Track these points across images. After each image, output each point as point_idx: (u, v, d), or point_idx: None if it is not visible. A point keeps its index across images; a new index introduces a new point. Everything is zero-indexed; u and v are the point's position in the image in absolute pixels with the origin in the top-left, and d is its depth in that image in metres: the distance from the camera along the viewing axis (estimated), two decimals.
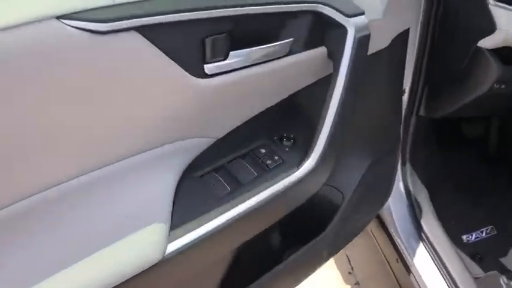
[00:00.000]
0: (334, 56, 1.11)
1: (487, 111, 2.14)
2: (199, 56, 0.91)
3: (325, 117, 1.12)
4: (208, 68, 0.92)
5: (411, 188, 1.84)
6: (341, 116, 1.12)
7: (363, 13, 1.08)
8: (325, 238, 1.42)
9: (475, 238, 1.95)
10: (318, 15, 1.05)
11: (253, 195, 1.06)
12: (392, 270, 1.90)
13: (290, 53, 1.06)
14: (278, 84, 1.09)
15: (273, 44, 1.00)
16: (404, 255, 1.78)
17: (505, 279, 1.74)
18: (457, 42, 1.61)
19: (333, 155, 1.21)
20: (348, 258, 2.27)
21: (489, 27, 1.46)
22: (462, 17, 1.57)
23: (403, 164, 1.85)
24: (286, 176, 1.12)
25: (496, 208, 2.09)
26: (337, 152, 1.22)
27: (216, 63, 0.93)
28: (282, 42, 1.02)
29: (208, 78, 0.93)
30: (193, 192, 1.04)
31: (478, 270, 1.82)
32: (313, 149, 1.14)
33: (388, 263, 1.92)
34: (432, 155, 2.06)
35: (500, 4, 1.46)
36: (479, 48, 1.53)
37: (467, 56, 1.58)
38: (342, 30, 1.07)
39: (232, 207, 1.03)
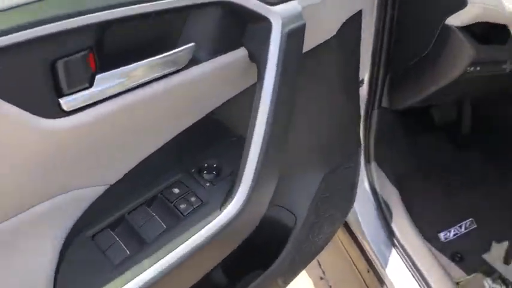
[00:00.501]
0: (258, 59, 0.85)
1: (460, 97, 1.97)
2: (49, 87, 0.65)
3: (252, 137, 0.86)
4: (66, 102, 0.66)
5: (378, 188, 1.65)
6: (273, 133, 0.87)
7: None
8: (280, 266, 1.22)
9: (454, 235, 1.77)
10: (229, 7, 0.79)
11: (162, 256, 0.80)
12: (365, 281, 1.70)
13: (194, 62, 0.80)
14: (184, 105, 0.85)
15: (163, 55, 0.73)
16: (375, 265, 1.60)
17: (490, 282, 1.60)
18: (421, 21, 1.41)
19: (270, 180, 0.98)
20: (319, 263, 2.10)
21: (459, 1, 1.26)
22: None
23: (368, 162, 1.65)
24: (207, 223, 0.87)
25: (474, 198, 1.92)
26: (277, 174, 0.99)
27: (76, 94, 0.67)
28: (178, 50, 0.75)
29: (69, 115, 0.67)
30: (82, 259, 0.80)
31: (459, 273, 1.64)
32: (240, 181, 0.89)
33: (360, 273, 1.73)
34: (399, 148, 1.87)
35: None
36: (448, 27, 1.32)
37: (433, 37, 1.37)
38: (264, 23, 0.81)
39: (134, 276, 0.77)
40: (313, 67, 1.02)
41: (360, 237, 1.65)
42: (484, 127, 2.13)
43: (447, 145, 2.12)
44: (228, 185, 0.93)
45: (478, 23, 1.28)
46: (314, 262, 1.99)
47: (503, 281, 1.60)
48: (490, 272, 1.63)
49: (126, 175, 0.83)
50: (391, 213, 1.61)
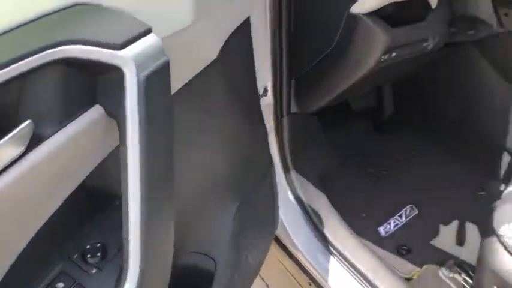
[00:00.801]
0: (115, 114, 0.69)
1: (377, 84, 1.90)
2: None
3: (128, 206, 0.69)
4: None
5: (303, 196, 1.53)
6: (153, 193, 0.71)
7: (148, 31, 0.66)
8: None
9: (395, 226, 1.65)
10: (68, 63, 0.63)
11: None
12: None
13: (37, 139, 0.62)
14: (45, 186, 0.67)
15: None
16: (316, 277, 1.48)
17: (446, 271, 1.48)
18: (322, 14, 1.31)
19: (164, 244, 0.82)
20: (261, 277, 1.91)
21: None
22: None
23: (287, 171, 1.53)
24: None
25: (406, 183, 1.84)
26: (171, 234, 0.82)
27: None
28: (8, 137, 0.57)
29: None
30: None
31: (409, 267, 1.51)
32: (127, 262, 0.72)
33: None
34: (317, 149, 1.76)
35: None
36: (354, 16, 1.22)
37: (337, 29, 1.27)
38: (115, 73, 0.64)
39: None
40: (199, 97, 0.90)
41: (293, 251, 1.53)
42: (406, 107, 2.08)
43: (368, 133, 2.06)
44: (116, 267, 0.77)
45: (390, 3, 1.20)
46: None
47: (460, 266, 1.49)
48: (443, 260, 1.52)
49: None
50: (321, 220, 1.49)
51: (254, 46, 1.11)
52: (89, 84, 0.67)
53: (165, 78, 0.69)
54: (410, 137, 2.07)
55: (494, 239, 1.14)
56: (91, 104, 0.68)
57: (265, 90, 1.34)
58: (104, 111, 0.69)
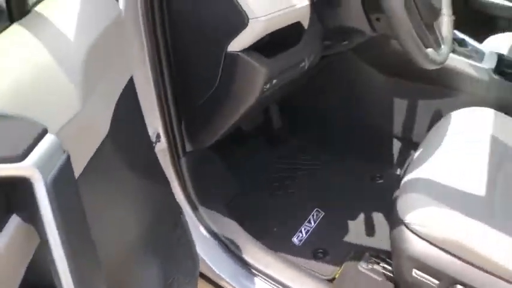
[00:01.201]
0: (32, 220, 0.68)
1: (263, 107, 1.98)
2: None
3: None
4: None
5: (215, 228, 1.56)
6: (83, 271, 0.72)
7: (44, 132, 0.65)
8: None
9: (306, 232, 1.73)
10: None
11: None
12: None
13: None
14: None
15: None
16: None
17: (365, 265, 1.57)
18: (202, 56, 1.34)
19: None
20: None
21: (237, 24, 1.21)
22: (201, 24, 1.30)
23: (195, 209, 1.56)
24: None
25: (309, 188, 1.95)
26: None
27: None
28: None
29: None
30: None
31: (328, 268, 1.59)
32: None
33: None
34: (220, 180, 1.82)
35: None
36: (231, 54, 1.27)
37: (218, 68, 1.31)
38: (22, 182, 0.63)
39: None
40: (99, 171, 0.87)
41: (219, 282, 1.56)
42: (294, 117, 2.19)
43: (263, 150, 2.14)
44: None
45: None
46: None
47: (377, 256, 1.59)
48: (360, 254, 1.60)
49: None
50: (237, 246, 1.53)
51: (140, 98, 1.11)
52: (2, 197, 0.66)
53: (69, 172, 0.70)
54: (304, 145, 2.18)
55: (403, 227, 1.25)
56: (8, 215, 0.66)
57: (158, 136, 1.37)
58: (20, 219, 0.68)
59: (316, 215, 1.79)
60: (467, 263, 1.19)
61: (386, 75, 1.94)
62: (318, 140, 2.19)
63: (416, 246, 1.23)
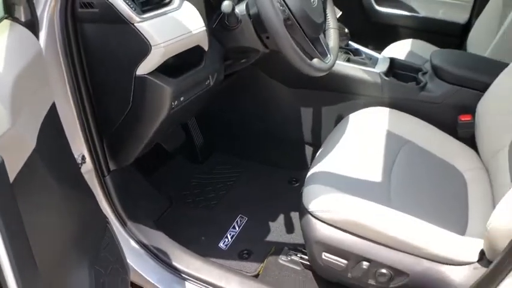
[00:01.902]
0: None
1: (177, 123, 2.12)
2: None
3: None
4: None
5: (145, 241, 1.67)
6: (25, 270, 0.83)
7: None
8: None
9: (232, 237, 1.90)
10: None
11: None
12: None
13: None
14: None
15: None
16: None
17: (284, 257, 1.75)
18: (116, 79, 1.46)
19: None
20: None
21: (143, 50, 1.36)
22: (112, 53, 1.42)
23: (124, 224, 1.66)
24: None
25: (234, 198, 2.13)
26: None
27: None
28: None
29: None
30: None
31: (253, 266, 1.77)
32: None
33: None
34: (147, 195, 1.96)
35: (146, 16, 1.36)
36: (140, 77, 1.41)
37: (130, 91, 1.44)
38: None
39: None
40: (28, 185, 0.97)
41: None
42: (213, 133, 2.36)
43: (187, 167, 2.29)
44: None
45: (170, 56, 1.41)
46: None
47: (295, 249, 1.78)
48: (280, 249, 1.79)
49: None
50: (167, 255, 1.65)
51: (64, 123, 1.23)
52: None
53: (4, 175, 0.81)
54: (225, 157, 2.37)
55: (309, 216, 1.42)
56: None
57: (83, 158, 1.48)
58: None
59: (240, 220, 1.97)
60: (369, 240, 1.36)
61: (290, 87, 2.14)
62: (237, 152, 2.37)
63: (321, 231, 1.40)
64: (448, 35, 3.41)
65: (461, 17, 3.42)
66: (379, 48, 3.01)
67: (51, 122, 1.12)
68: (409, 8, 3.55)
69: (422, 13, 3.52)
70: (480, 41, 2.78)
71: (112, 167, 1.60)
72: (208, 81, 1.61)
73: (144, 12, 1.35)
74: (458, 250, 1.31)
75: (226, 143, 2.40)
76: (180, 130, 2.26)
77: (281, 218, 1.98)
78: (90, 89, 1.45)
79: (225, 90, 1.96)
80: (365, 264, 1.38)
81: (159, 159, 2.18)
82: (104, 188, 1.60)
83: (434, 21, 3.48)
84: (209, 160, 2.34)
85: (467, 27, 3.32)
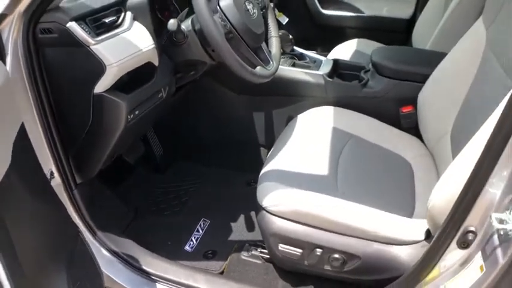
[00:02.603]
0: None
1: (137, 136, 2.24)
2: None
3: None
4: None
5: (115, 248, 1.77)
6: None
7: None
8: None
9: (196, 240, 2.04)
10: None
11: None
12: None
13: None
14: None
15: None
16: None
17: (246, 253, 1.90)
18: (77, 98, 1.57)
19: None
20: None
21: (98, 70, 1.48)
22: (72, 75, 1.53)
23: (95, 234, 1.76)
24: None
25: (196, 203, 2.27)
26: None
27: None
28: None
29: None
30: None
31: (218, 264, 1.91)
32: None
33: None
34: (114, 205, 2.07)
35: (100, 38, 1.47)
36: (97, 95, 1.53)
37: (89, 108, 1.56)
38: None
39: None
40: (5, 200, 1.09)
41: None
42: (172, 143, 2.50)
43: (150, 176, 2.43)
44: None
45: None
46: None
47: (255, 245, 1.93)
48: (242, 246, 1.94)
49: None
50: (136, 260, 1.75)
51: (33, 142, 1.35)
52: None
53: None
54: (185, 165, 2.51)
55: (263, 211, 1.55)
56: None
57: (52, 173, 1.58)
58: None
59: (203, 223, 2.11)
60: (320, 228, 1.49)
61: (241, 94, 2.30)
62: (196, 159, 2.51)
63: (275, 224, 1.53)
64: (394, 32, 3.57)
65: (406, 13, 3.58)
66: (328, 50, 3.16)
67: (22, 141, 1.24)
68: (355, 9, 3.69)
69: (368, 12, 3.67)
70: (424, 35, 2.91)
71: (79, 180, 1.70)
72: (161, 94, 1.74)
73: (98, 35, 1.47)
74: (406, 231, 1.44)
75: (185, 152, 2.53)
76: (140, 142, 2.39)
77: (241, 218, 2.13)
78: (54, 108, 1.54)
79: (179, 100, 2.10)
80: (318, 251, 1.50)
81: (123, 172, 2.30)
82: (73, 200, 1.69)
83: (379, 19, 3.63)
84: (170, 169, 2.47)
85: (412, 22, 3.46)
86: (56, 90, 1.53)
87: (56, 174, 1.61)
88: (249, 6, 1.64)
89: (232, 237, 2.04)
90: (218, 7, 1.57)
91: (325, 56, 2.73)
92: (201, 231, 2.07)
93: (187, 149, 2.53)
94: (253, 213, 2.13)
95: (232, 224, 2.10)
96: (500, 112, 0.97)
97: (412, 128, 2.04)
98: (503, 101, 1.10)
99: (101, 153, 1.68)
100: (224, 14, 1.56)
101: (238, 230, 2.07)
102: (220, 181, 2.39)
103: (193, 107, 2.35)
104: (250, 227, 2.09)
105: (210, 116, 2.42)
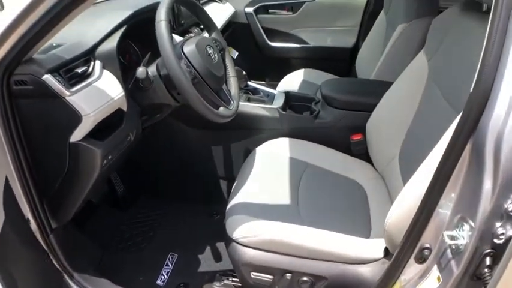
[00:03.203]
0: None
1: (106, 178, 2.33)
2: None
3: None
4: None
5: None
6: None
7: None
8: None
9: (167, 273, 2.14)
10: None
11: None
12: None
13: None
14: None
15: None
16: None
17: (217, 283, 2.01)
18: (53, 147, 1.59)
19: None
20: None
21: (74, 120, 1.51)
22: (48, 125, 1.56)
23: (71, 276, 1.80)
24: None
25: (162, 238, 2.36)
26: None
27: None
28: None
29: None
30: None
31: None
32: None
33: None
34: (86, 247, 2.13)
35: (74, 89, 1.51)
36: (73, 144, 1.57)
37: (65, 156, 1.59)
38: None
39: None
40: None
41: None
42: (134, 182, 2.58)
43: (114, 214, 2.50)
44: None
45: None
46: None
47: (225, 274, 2.05)
48: (213, 277, 2.06)
49: None
50: None
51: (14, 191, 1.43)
52: None
53: None
54: (147, 202, 2.59)
55: (234, 243, 1.64)
56: None
57: (28, 220, 1.62)
58: None
59: (172, 257, 2.21)
60: (288, 255, 1.59)
61: (199, 129, 2.41)
62: (158, 194, 2.60)
63: (247, 254, 1.61)
64: (338, 60, 3.80)
65: (348, 42, 3.82)
66: (277, 80, 3.34)
67: (8, 193, 1.30)
68: (300, 40, 3.91)
69: (312, 43, 3.90)
70: (367, 63, 3.13)
71: (54, 225, 1.73)
72: (130, 137, 1.82)
73: (72, 85, 1.52)
74: (366, 250, 1.56)
75: (147, 187, 2.62)
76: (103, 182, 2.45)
77: (208, 250, 2.24)
78: (29, 158, 1.57)
79: (140, 138, 2.18)
80: (288, 275, 1.60)
81: (88, 212, 2.35)
82: (50, 245, 1.72)
83: (324, 49, 3.87)
84: (133, 205, 2.56)
85: (354, 50, 3.70)
86: (31, 140, 1.56)
87: (31, 220, 1.64)
88: (210, 51, 1.76)
89: (202, 268, 2.13)
90: (182, 53, 1.67)
91: (275, 85, 2.92)
92: (170, 265, 2.16)
93: (148, 185, 2.62)
94: (219, 244, 2.25)
95: (200, 256, 2.20)
96: (447, 140, 1.11)
97: (363, 154, 2.21)
98: (448, 129, 1.23)
99: (76, 198, 1.72)
100: (189, 60, 1.66)
101: (207, 261, 2.17)
102: (183, 214, 2.49)
103: (153, 143, 2.43)
104: (217, 257, 2.19)
105: (170, 151, 2.51)
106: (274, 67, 3.88)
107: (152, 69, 1.75)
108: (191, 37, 1.81)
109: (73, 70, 1.56)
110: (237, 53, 3.18)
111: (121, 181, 2.53)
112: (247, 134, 2.39)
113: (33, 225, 1.63)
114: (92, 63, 1.66)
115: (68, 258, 1.78)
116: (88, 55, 1.65)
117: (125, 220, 2.46)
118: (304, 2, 3.86)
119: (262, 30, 3.89)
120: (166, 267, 2.15)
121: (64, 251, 1.76)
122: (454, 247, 1.09)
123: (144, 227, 2.41)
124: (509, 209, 0.96)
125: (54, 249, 1.73)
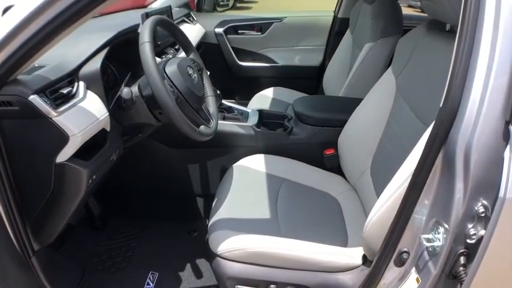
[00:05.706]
0: None
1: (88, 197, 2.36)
2: None
3: None
4: None
5: None
6: None
7: None
8: None
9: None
10: None
11: None
12: None
13: None
14: None
15: None
16: None
17: None
18: (38, 167, 1.59)
19: None
20: None
21: (61, 140, 1.52)
22: (33, 146, 1.55)
23: None
24: None
25: (141, 258, 2.40)
26: None
27: None
28: None
29: None
30: None
31: None
32: None
33: None
34: (68, 269, 2.17)
35: (61, 110, 1.51)
36: (59, 164, 1.58)
37: (51, 176, 1.60)
38: None
39: None
40: None
41: None
42: (110, 202, 2.63)
43: (91, 235, 2.54)
44: None
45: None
46: None
47: None
48: None
49: None
50: None
51: None
52: None
53: None
54: (124, 221, 2.63)
55: (218, 258, 1.70)
56: None
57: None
58: None
59: (152, 276, 2.25)
60: (271, 267, 1.67)
61: (176, 148, 2.48)
62: (135, 213, 2.65)
63: (231, 268, 1.68)
64: (306, 78, 3.96)
65: (316, 61, 3.97)
66: (246, 98, 3.45)
67: None
68: (269, 60, 4.04)
69: (281, 62, 4.03)
70: (335, 81, 3.28)
71: (36, 247, 1.72)
72: (112, 157, 1.86)
73: (58, 106, 1.52)
74: (345, 258, 1.64)
75: (123, 207, 2.66)
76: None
77: (188, 267, 2.29)
78: (11, 178, 1.55)
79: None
80: (272, 287, 1.67)
81: (65, 233, 2.40)
82: (32, 268, 1.73)
83: (292, 68, 4.01)
84: (110, 225, 2.59)
85: (322, 68, 3.87)
86: (15, 160, 1.55)
87: (14, 242, 1.63)
88: (190, 71, 1.85)
89: (184, 285, 2.19)
90: (165, 74, 1.75)
91: (245, 104, 3.02)
92: (151, 284, 2.20)
93: (125, 204, 2.67)
94: (199, 261, 2.31)
95: (181, 273, 2.25)
96: (418, 151, 1.22)
97: (335, 167, 2.34)
98: (419, 142, 1.34)
99: (61, 220, 1.73)
100: (171, 81, 1.74)
101: (188, 279, 2.23)
102: (161, 233, 2.54)
103: (129, 163, 2.46)
104: (198, 274, 2.25)
105: (146, 170, 2.57)
106: (244, 86, 4.00)
107: (134, 90, 1.81)
108: (169, 58, 1.88)
109: (58, 91, 1.57)
110: (208, 73, 3.26)
111: (96, 201, 2.56)
112: (224, 151, 2.47)
113: (15, 246, 1.64)
114: (76, 83, 1.68)
115: (49, 280, 1.79)
116: (72, 76, 1.67)
117: (102, 240, 2.48)
118: (273, 22, 3.99)
119: (232, 50, 3.99)
120: (148, 286, 2.19)
121: (46, 272, 1.77)
122: (430, 249, 1.20)
123: (123, 247, 2.44)
124: (480, 211, 1.09)
125: (36, 272, 1.74)
